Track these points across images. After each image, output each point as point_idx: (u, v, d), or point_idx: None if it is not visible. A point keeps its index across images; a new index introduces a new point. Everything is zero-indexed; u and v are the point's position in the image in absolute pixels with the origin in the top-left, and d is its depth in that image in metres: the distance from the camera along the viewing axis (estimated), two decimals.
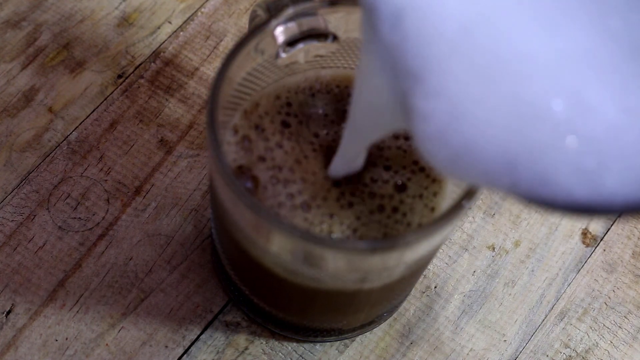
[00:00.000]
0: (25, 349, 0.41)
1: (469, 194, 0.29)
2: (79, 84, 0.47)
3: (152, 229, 0.44)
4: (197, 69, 0.47)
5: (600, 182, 0.24)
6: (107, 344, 0.41)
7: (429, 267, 0.44)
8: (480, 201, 0.46)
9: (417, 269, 0.37)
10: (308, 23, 0.33)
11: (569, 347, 0.43)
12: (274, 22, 0.32)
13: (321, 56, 0.35)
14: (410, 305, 0.43)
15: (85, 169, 0.45)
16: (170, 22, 0.49)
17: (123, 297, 0.42)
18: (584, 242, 0.45)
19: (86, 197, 0.44)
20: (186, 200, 0.44)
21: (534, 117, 0.25)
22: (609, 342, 0.43)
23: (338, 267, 0.32)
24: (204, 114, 0.47)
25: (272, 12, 0.32)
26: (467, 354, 0.43)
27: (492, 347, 0.43)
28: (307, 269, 0.32)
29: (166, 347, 0.42)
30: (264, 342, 0.42)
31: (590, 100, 0.24)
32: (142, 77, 0.47)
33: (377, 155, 0.34)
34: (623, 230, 0.46)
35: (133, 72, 0.47)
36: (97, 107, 0.46)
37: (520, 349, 0.43)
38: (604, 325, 0.44)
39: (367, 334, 0.43)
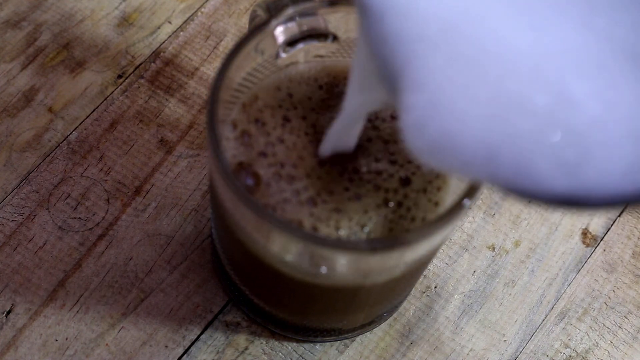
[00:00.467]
0: (25, 349, 0.41)
1: (470, 192, 0.29)
2: (79, 84, 0.47)
3: (152, 229, 0.44)
4: (197, 69, 0.47)
5: (580, 175, 0.24)
6: (107, 344, 0.41)
7: (429, 267, 0.44)
8: (481, 201, 0.46)
9: (417, 269, 0.37)
10: (308, 23, 0.33)
11: (569, 347, 0.43)
12: (274, 22, 0.32)
13: (321, 56, 0.35)
14: (410, 305, 0.43)
15: (85, 169, 0.45)
16: (170, 22, 0.49)
17: (123, 297, 0.42)
18: (584, 242, 0.45)
19: (86, 197, 0.44)
20: (186, 200, 0.44)
21: (515, 109, 0.25)
22: (609, 342, 0.43)
23: (338, 267, 0.32)
24: (204, 114, 0.47)
25: (272, 12, 0.32)
26: (467, 354, 0.43)
27: (492, 347, 0.43)
28: (308, 268, 0.32)
29: (166, 347, 0.42)
30: (264, 342, 0.42)
31: (573, 94, 0.25)
32: (142, 77, 0.47)
33: (382, 149, 0.34)
34: (623, 230, 0.46)
35: (133, 72, 0.47)
36: (97, 107, 0.46)
37: (520, 349, 0.43)
38: (604, 325, 0.44)
39: (367, 334, 0.43)
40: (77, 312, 0.42)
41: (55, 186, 0.44)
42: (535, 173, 0.24)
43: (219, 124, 0.30)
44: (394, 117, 0.34)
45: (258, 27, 0.32)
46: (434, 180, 0.33)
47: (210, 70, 0.48)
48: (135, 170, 0.45)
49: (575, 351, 0.43)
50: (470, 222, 0.45)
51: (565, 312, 0.44)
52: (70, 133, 0.45)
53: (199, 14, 0.49)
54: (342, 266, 0.32)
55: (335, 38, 0.34)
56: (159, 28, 0.49)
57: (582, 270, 0.45)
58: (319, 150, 0.33)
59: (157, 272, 0.43)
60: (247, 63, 0.32)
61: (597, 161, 0.24)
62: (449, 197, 0.33)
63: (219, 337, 0.42)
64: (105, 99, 0.46)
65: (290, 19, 0.32)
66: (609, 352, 0.43)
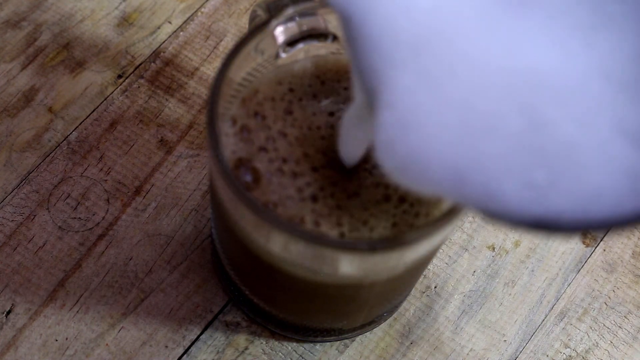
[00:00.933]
0: (25, 349, 0.41)
1: None
2: (79, 84, 0.47)
3: (152, 229, 0.44)
4: (197, 69, 0.47)
5: (548, 199, 0.24)
6: (107, 344, 0.41)
7: (429, 267, 0.44)
8: None
9: (417, 269, 0.37)
10: (308, 23, 0.33)
11: (569, 347, 0.43)
12: (274, 22, 0.32)
13: (321, 56, 0.35)
14: (410, 305, 0.43)
15: (85, 169, 0.45)
16: (170, 22, 0.49)
17: (123, 297, 0.42)
18: (584, 242, 0.45)
19: (86, 197, 0.44)
20: (186, 200, 0.44)
21: (483, 131, 0.25)
22: (609, 342, 0.43)
23: (338, 266, 0.32)
24: (204, 114, 0.47)
25: (272, 12, 0.32)
26: (467, 354, 0.43)
27: (492, 347, 0.43)
28: (308, 268, 0.32)
29: (166, 347, 0.42)
30: (264, 342, 0.42)
31: (545, 116, 0.25)
32: (142, 77, 0.47)
33: None
34: (626, 231, 0.46)
35: (133, 72, 0.47)
36: (97, 107, 0.46)
37: (520, 349, 0.43)
38: (604, 325, 0.44)
39: (367, 334, 0.43)
40: (77, 312, 0.42)
41: (55, 186, 0.44)
42: (502, 196, 0.24)
43: (219, 123, 0.30)
44: None
45: (258, 27, 0.31)
46: None
47: (210, 70, 0.48)
48: (135, 170, 0.45)
49: (575, 351, 0.43)
50: (470, 222, 0.45)
51: (565, 312, 0.44)
52: (70, 133, 0.45)
53: (199, 14, 0.49)
54: (342, 266, 0.32)
55: (335, 38, 0.34)
56: (159, 28, 0.49)
57: (582, 270, 0.45)
58: (342, 157, 0.33)
59: (157, 272, 0.43)
60: (247, 63, 0.32)
61: (567, 185, 0.24)
62: None
63: (219, 337, 0.42)
64: (105, 99, 0.46)
65: (290, 19, 0.32)
66: (609, 352, 0.43)
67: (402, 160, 0.25)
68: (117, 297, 0.42)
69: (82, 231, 0.43)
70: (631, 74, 0.25)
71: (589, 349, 0.43)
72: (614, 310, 0.44)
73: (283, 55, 0.33)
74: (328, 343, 0.42)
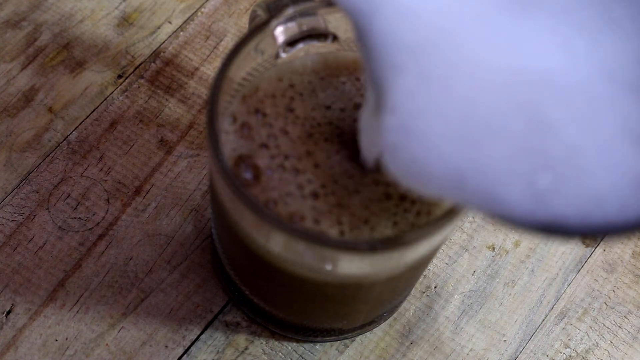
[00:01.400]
0: (25, 349, 0.41)
1: None
2: (79, 84, 0.47)
3: (152, 229, 0.44)
4: (197, 69, 0.47)
5: (551, 203, 0.24)
6: (107, 344, 0.41)
7: (429, 267, 0.44)
8: None
9: (417, 269, 0.37)
10: (308, 23, 0.33)
11: (569, 347, 0.43)
12: (274, 22, 0.32)
13: (321, 53, 0.35)
14: (410, 305, 0.43)
15: (85, 169, 0.45)
16: (170, 22, 0.49)
17: (123, 297, 0.42)
18: (583, 242, 0.45)
19: (86, 197, 0.44)
20: (186, 200, 0.44)
21: (486, 134, 0.25)
22: (609, 342, 0.43)
23: (338, 266, 0.32)
24: (204, 114, 0.47)
25: (272, 12, 0.32)
26: (467, 354, 0.43)
27: (492, 347, 0.43)
28: (308, 268, 0.32)
29: (166, 347, 0.42)
30: (264, 342, 0.42)
31: (549, 119, 0.25)
32: (142, 77, 0.47)
33: None
34: (633, 236, 0.46)
35: (133, 72, 0.47)
36: (97, 107, 0.46)
37: (520, 349, 0.43)
38: (604, 325, 0.44)
39: (367, 334, 0.43)
40: (77, 312, 0.42)
41: (55, 186, 0.44)
42: (505, 200, 0.24)
43: (219, 121, 0.30)
44: None
45: (258, 27, 0.31)
46: None
47: (210, 70, 0.48)
48: (135, 170, 0.45)
49: (575, 351, 0.43)
50: (470, 222, 0.45)
51: (565, 312, 0.44)
52: (70, 133, 0.45)
53: (199, 14, 0.49)
54: (342, 266, 0.32)
55: (335, 38, 0.34)
56: (159, 28, 0.49)
57: (582, 270, 0.45)
58: (362, 159, 0.32)
59: (157, 272, 0.43)
60: (247, 63, 0.32)
61: (571, 189, 0.24)
62: None
63: (219, 337, 0.42)
64: (105, 99, 0.46)
65: (290, 19, 0.32)
66: (609, 352, 0.43)
67: (406, 165, 0.26)
68: (117, 297, 0.42)
69: (82, 231, 0.43)
70: (636, 77, 0.25)
71: (589, 349, 0.43)
72: (614, 310, 0.44)
73: (283, 55, 0.33)
74: (328, 343, 0.42)
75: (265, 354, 0.42)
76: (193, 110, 0.46)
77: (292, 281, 0.34)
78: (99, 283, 0.42)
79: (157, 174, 0.45)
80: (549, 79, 0.25)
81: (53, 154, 0.45)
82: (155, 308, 0.42)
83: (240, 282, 0.40)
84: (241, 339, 0.42)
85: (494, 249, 0.45)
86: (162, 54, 0.48)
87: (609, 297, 0.44)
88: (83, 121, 0.46)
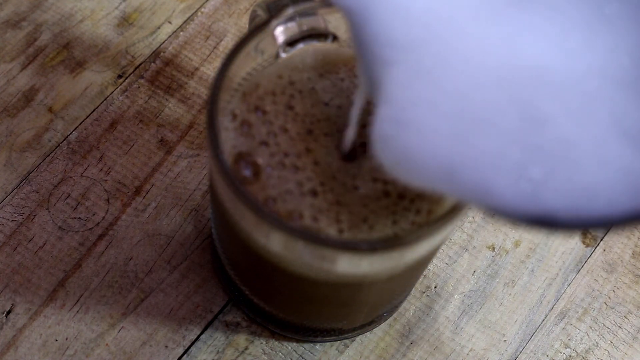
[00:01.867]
0: (25, 349, 0.41)
1: None
2: (79, 84, 0.47)
3: (152, 229, 0.44)
4: (197, 69, 0.47)
5: (543, 196, 0.24)
6: (107, 344, 0.41)
7: (429, 267, 0.44)
8: None
9: (417, 269, 0.37)
10: (308, 23, 0.33)
11: (569, 347, 0.43)
12: (274, 22, 0.32)
13: (321, 49, 0.34)
14: (410, 305, 0.43)
15: (85, 169, 0.45)
16: (170, 22, 0.49)
17: (123, 297, 0.42)
18: (584, 242, 0.45)
19: (86, 197, 0.44)
20: (186, 200, 0.44)
21: (478, 126, 0.25)
22: (609, 342, 0.43)
23: (338, 266, 0.32)
24: (204, 114, 0.46)
25: (272, 12, 0.32)
26: (467, 354, 0.43)
27: (492, 347, 0.43)
28: (308, 267, 0.32)
29: (166, 347, 0.42)
30: (264, 342, 0.42)
31: (542, 112, 0.25)
32: (142, 77, 0.47)
33: None
34: (623, 230, 0.46)
35: (133, 72, 0.47)
36: (97, 107, 0.46)
37: (520, 349, 0.43)
38: (604, 325, 0.44)
39: (367, 334, 0.43)
40: (77, 312, 0.42)
41: (55, 186, 0.44)
42: (495, 191, 0.24)
43: (219, 119, 0.30)
44: None
45: (258, 27, 0.31)
46: None
47: (210, 70, 0.48)
48: (135, 170, 0.45)
49: (575, 351, 0.43)
50: (470, 222, 0.45)
51: (565, 312, 0.44)
52: (70, 133, 0.45)
53: (199, 14, 0.49)
54: (342, 265, 0.32)
55: (335, 38, 0.34)
56: (159, 28, 0.49)
57: (582, 270, 0.45)
58: (342, 146, 0.33)
59: (157, 272, 0.43)
60: (247, 63, 0.32)
61: (562, 182, 0.24)
62: None
63: (219, 337, 0.42)
64: (105, 99, 0.46)
65: (290, 19, 0.32)
66: (609, 352, 0.43)
67: (397, 156, 0.26)
68: (117, 297, 0.42)
69: (82, 231, 0.43)
70: (629, 74, 0.25)
71: (589, 349, 0.43)
72: (614, 310, 0.44)
73: (283, 55, 0.33)
74: (328, 343, 0.42)
75: (265, 354, 0.42)
76: (193, 110, 0.46)
77: (292, 281, 0.34)
78: (99, 283, 0.42)
79: (157, 174, 0.45)
80: (542, 74, 0.25)
81: (53, 154, 0.45)
82: (155, 308, 0.42)
83: (240, 282, 0.40)
84: (241, 339, 0.42)
85: (494, 249, 0.45)
86: (162, 54, 0.48)
87: (609, 297, 0.44)
88: (83, 121, 0.46)
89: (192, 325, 0.42)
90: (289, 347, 0.42)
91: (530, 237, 0.45)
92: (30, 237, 0.43)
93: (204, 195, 0.45)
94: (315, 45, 0.34)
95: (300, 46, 0.33)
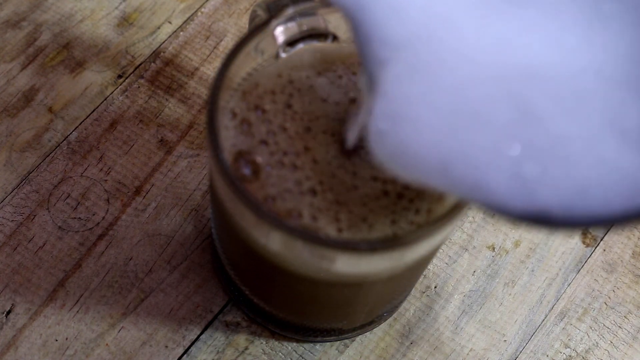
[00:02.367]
0: (25, 349, 0.41)
1: None
2: (79, 84, 0.47)
3: (152, 229, 0.44)
4: (197, 69, 0.47)
5: (536, 192, 0.24)
6: (107, 344, 0.41)
7: (429, 267, 0.44)
8: None
9: (417, 269, 0.37)
10: (308, 23, 0.33)
11: (569, 347, 0.43)
12: (274, 22, 0.32)
13: (319, 47, 0.34)
14: (410, 305, 0.43)
15: (85, 169, 0.45)
16: (170, 22, 0.49)
17: (123, 297, 0.42)
18: (584, 242, 0.45)
19: (86, 197, 0.44)
20: (186, 200, 0.44)
21: (473, 122, 0.25)
22: (609, 342, 0.43)
23: (338, 266, 0.32)
24: (204, 114, 0.47)
25: (272, 12, 0.32)
26: (467, 354, 0.43)
27: (492, 347, 0.43)
28: (308, 267, 0.32)
29: (166, 347, 0.42)
30: (264, 342, 0.42)
31: (537, 108, 0.25)
32: (142, 77, 0.47)
33: None
34: (623, 231, 0.46)
35: (133, 72, 0.47)
36: (97, 107, 0.46)
37: (520, 349, 0.43)
38: (604, 325, 0.44)
39: (367, 334, 0.43)
40: (77, 312, 0.42)
41: (55, 186, 0.44)
42: (490, 187, 0.24)
43: (219, 118, 0.30)
44: None
45: (258, 27, 0.31)
46: None
47: (210, 70, 0.48)
48: (135, 170, 0.45)
49: (575, 351, 0.43)
50: (470, 222, 0.45)
51: (565, 312, 0.44)
52: (70, 133, 0.45)
53: (199, 14, 0.49)
54: (341, 265, 0.32)
55: (335, 38, 0.34)
56: (159, 28, 0.49)
57: (582, 270, 0.45)
58: (346, 138, 0.33)
59: (157, 272, 0.43)
60: (247, 63, 0.32)
61: (555, 179, 0.24)
62: None
63: (219, 337, 0.42)
64: (105, 99, 0.46)
65: (290, 19, 0.32)
66: (609, 352, 0.43)
67: (392, 151, 0.26)
68: (117, 297, 0.42)
69: (82, 231, 0.43)
70: (625, 73, 0.25)
71: (589, 349, 0.43)
72: (614, 310, 0.44)
73: (283, 55, 0.33)
74: (328, 343, 0.42)
75: (265, 354, 0.42)
76: (193, 110, 0.46)
77: (292, 281, 0.34)
78: (99, 283, 0.42)
79: (157, 174, 0.45)
80: (538, 71, 0.25)
81: (53, 154, 0.45)
82: (155, 308, 0.42)
83: (240, 282, 0.40)
84: (241, 339, 0.42)
85: (494, 249, 0.45)
86: (162, 54, 0.48)
87: (609, 297, 0.44)
88: (83, 121, 0.46)
89: (192, 325, 0.42)
90: (289, 347, 0.42)
91: (530, 237, 0.45)
92: (30, 237, 0.43)
93: (204, 195, 0.45)
94: (315, 44, 0.34)
95: (300, 46, 0.33)
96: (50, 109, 0.46)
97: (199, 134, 0.46)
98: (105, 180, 0.44)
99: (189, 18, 0.49)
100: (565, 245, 0.45)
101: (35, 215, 0.43)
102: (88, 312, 0.42)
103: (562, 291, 0.44)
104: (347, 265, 0.32)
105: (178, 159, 0.45)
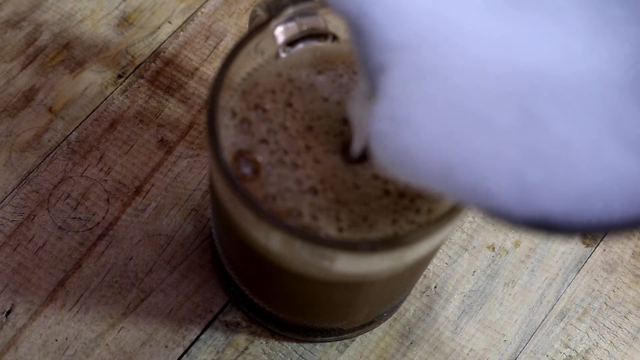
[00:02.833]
0: (25, 349, 0.41)
1: None
2: (79, 84, 0.47)
3: (152, 229, 0.44)
4: (197, 69, 0.47)
5: (538, 198, 0.24)
6: (107, 344, 0.41)
7: (429, 267, 0.44)
8: None
9: (417, 269, 0.37)
10: (308, 23, 0.33)
11: (569, 347, 0.43)
12: (274, 22, 0.32)
13: (319, 46, 0.34)
14: (410, 305, 0.43)
15: (85, 169, 0.45)
16: (170, 22, 0.49)
17: (123, 297, 0.42)
18: (583, 242, 0.45)
19: (86, 197, 0.44)
20: (186, 200, 0.44)
21: (476, 126, 0.25)
22: (609, 342, 0.43)
23: (338, 266, 0.32)
24: (204, 114, 0.47)
25: (272, 12, 0.32)
26: (467, 354, 0.43)
27: (492, 347, 0.43)
28: (308, 267, 0.32)
29: (166, 347, 0.42)
30: (264, 342, 0.42)
31: (541, 113, 0.25)
32: (142, 77, 0.47)
33: None
34: (619, 236, 0.46)
35: (133, 72, 0.47)
36: (97, 107, 0.46)
37: (520, 349, 0.43)
38: (604, 325, 0.44)
39: (367, 334, 0.43)
40: (77, 312, 0.42)
41: (55, 186, 0.44)
42: (491, 192, 0.24)
43: (219, 118, 0.30)
44: None
45: (258, 27, 0.31)
46: None
47: (210, 70, 0.48)
48: (135, 170, 0.45)
49: (575, 351, 0.43)
50: (470, 222, 0.45)
51: (565, 312, 0.44)
52: (70, 133, 0.45)
53: (199, 14, 0.49)
54: (341, 265, 0.32)
55: (335, 38, 0.34)
56: (159, 28, 0.49)
57: (582, 270, 0.45)
58: (352, 146, 0.33)
59: (157, 272, 0.43)
60: (247, 63, 0.32)
61: (557, 185, 0.24)
62: None
63: (219, 337, 0.42)
64: (105, 99, 0.46)
65: (290, 19, 0.32)
66: (609, 352, 0.43)
67: (394, 154, 0.26)
68: (117, 297, 0.42)
69: (82, 231, 0.43)
70: (630, 78, 0.25)
71: (589, 349, 0.43)
72: (614, 310, 0.44)
73: (283, 55, 0.33)
74: (328, 343, 0.42)
75: (265, 354, 0.42)
76: (193, 110, 0.46)
77: (292, 281, 0.34)
78: (99, 283, 0.42)
79: (157, 174, 0.45)
80: (542, 75, 0.25)
81: (53, 154, 0.45)
82: (155, 308, 0.42)
83: (240, 282, 0.40)
84: (241, 339, 0.42)
85: (494, 249, 0.45)
86: (162, 54, 0.48)
87: (609, 297, 0.44)
88: (83, 121, 0.46)
89: (192, 325, 0.42)
90: (289, 347, 0.42)
91: (530, 237, 0.45)
92: (30, 237, 0.43)
93: (204, 195, 0.45)
94: (315, 44, 0.34)
95: (300, 46, 0.33)
96: (50, 109, 0.46)
97: (199, 134, 0.46)
98: (105, 180, 0.44)
99: (189, 18, 0.49)
100: (565, 245, 0.45)
101: (35, 215, 0.43)
102: (88, 312, 0.42)
103: (562, 291, 0.44)
104: (347, 265, 0.32)
105: (178, 159, 0.45)
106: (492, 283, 0.44)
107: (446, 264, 0.44)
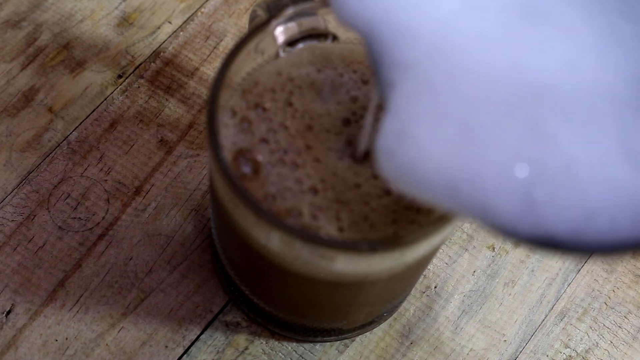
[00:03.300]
0: (25, 349, 0.41)
1: None
2: (79, 84, 0.47)
3: (152, 229, 0.44)
4: (197, 69, 0.47)
5: (544, 216, 0.24)
6: (107, 344, 0.41)
7: (429, 267, 0.44)
8: None
9: (417, 269, 0.37)
10: (308, 23, 0.33)
11: (569, 347, 0.43)
12: (274, 22, 0.32)
13: (319, 45, 0.34)
14: (410, 305, 0.43)
15: (85, 169, 0.45)
16: (170, 22, 0.49)
17: (123, 297, 0.42)
18: None
19: (86, 197, 0.44)
20: (186, 200, 0.44)
21: (482, 142, 0.25)
22: (609, 342, 0.43)
23: (338, 266, 0.32)
24: (204, 114, 0.47)
25: (272, 12, 0.32)
26: (467, 354, 0.43)
27: (492, 347, 0.43)
28: (308, 267, 0.32)
29: (166, 347, 0.42)
30: (264, 342, 0.42)
31: (548, 132, 0.24)
32: (142, 77, 0.47)
33: None
34: (624, 256, 0.46)
35: (133, 72, 0.47)
36: (97, 107, 0.46)
37: (520, 349, 0.43)
38: (604, 325, 0.44)
39: (367, 334, 0.43)
40: (77, 312, 0.42)
41: (55, 186, 0.44)
42: (497, 209, 0.24)
43: (219, 117, 0.30)
44: None
45: (258, 27, 0.31)
46: None
47: (210, 70, 0.48)
48: (135, 170, 0.45)
49: (575, 351, 0.43)
50: (470, 222, 0.45)
51: (565, 312, 0.44)
52: (70, 133, 0.45)
53: (199, 14, 0.49)
54: (341, 265, 0.32)
55: (335, 38, 0.34)
56: (159, 28, 0.49)
57: (582, 270, 0.45)
58: (358, 147, 0.33)
59: (157, 272, 0.43)
60: (247, 63, 0.32)
61: (563, 202, 0.24)
62: None
63: (219, 337, 0.42)
64: (105, 99, 0.46)
65: (290, 19, 0.32)
66: (609, 352, 0.43)
67: (400, 169, 0.26)
68: (117, 297, 0.42)
69: (82, 231, 0.43)
70: (638, 96, 0.25)
71: (589, 349, 0.43)
72: (614, 310, 0.44)
73: (283, 55, 0.33)
74: (328, 343, 0.42)
75: (265, 354, 0.42)
76: (193, 110, 0.46)
77: (292, 281, 0.34)
78: (99, 283, 0.42)
79: (157, 174, 0.45)
80: (549, 92, 0.25)
81: (53, 154, 0.45)
82: (155, 308, 0.42)
83: (240, 282, 0.40)
84: (241, 339, 0.42)
85: (494, 249, 0.45)
86: (162, 54, 0.48)
87: (609, 297, 0.44)
88: (83, 121, 0.46)
89: (192, 325, 0.42)
90: (289, 347, 0.42)
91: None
92: (30, 237, 0.43)
93: (204, 195, 0.45)
94: (315, 44, 0.34)
95: (300, 46, 0.33)
96: (50, 109, 0.46)
97: (199, 134, 0.46)
98: (105, 180, 0.44)
99: (189, 18, 0.49)
100: None
101: (35, 215, 0.43)
102: (88, 312, 0.42)
103: (562, 291, 0.44)
104: (347, 264, 0.32)
105: (178, 159, 0.45)
106: (492, 283, 0.44)
107: (446, 264, 0.44)
